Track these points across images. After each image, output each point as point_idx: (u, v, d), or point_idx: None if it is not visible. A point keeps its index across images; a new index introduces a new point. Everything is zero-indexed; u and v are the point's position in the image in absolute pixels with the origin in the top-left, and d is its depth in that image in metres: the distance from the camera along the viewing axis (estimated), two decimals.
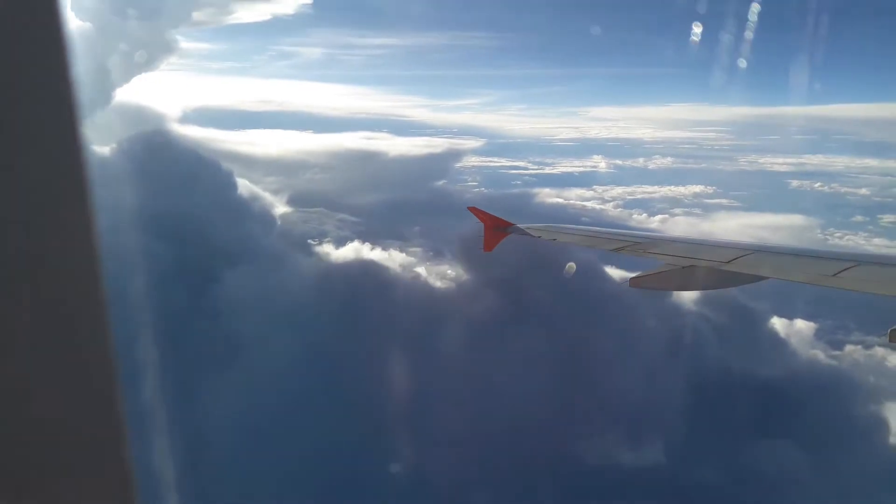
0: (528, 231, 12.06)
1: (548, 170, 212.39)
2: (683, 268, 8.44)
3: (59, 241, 1.15)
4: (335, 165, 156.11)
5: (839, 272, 7.46)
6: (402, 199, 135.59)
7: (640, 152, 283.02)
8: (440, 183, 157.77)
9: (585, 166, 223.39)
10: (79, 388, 1.27)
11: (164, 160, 73.10)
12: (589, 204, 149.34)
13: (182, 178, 72.82)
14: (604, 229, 11.61)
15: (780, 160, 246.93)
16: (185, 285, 60.43)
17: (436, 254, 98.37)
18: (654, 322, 66.69)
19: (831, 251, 8.48)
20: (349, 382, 53.49)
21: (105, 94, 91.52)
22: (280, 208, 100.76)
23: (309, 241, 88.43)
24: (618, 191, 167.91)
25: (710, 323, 67.63)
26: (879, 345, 70.76)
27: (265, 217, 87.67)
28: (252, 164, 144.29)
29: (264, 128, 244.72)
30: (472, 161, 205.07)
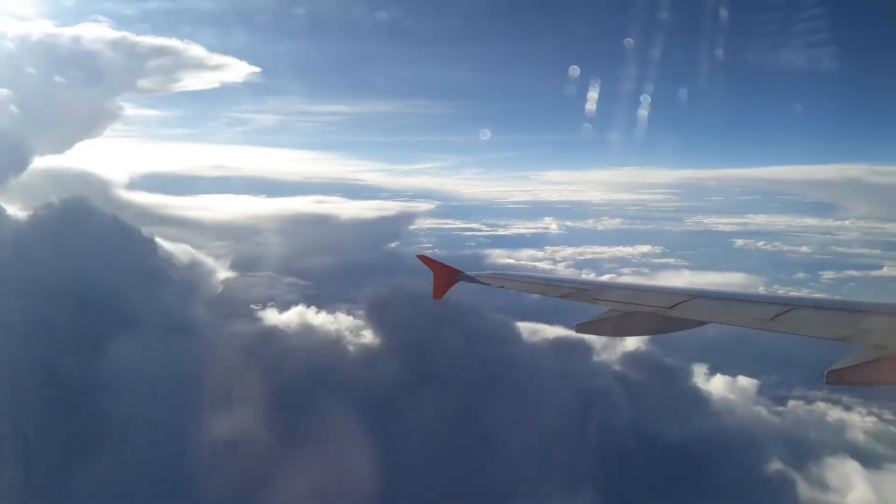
0: (477, 278, 12.16)
1: (501, 231, 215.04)
2: (627, 313, 8.62)
3: None
4: (286, 229, 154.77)
5: (777, 316, 7.60)
6: (353, 261, 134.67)
7: (589, 214, 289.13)
8: (393, 245, 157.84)
9: (537, 228, 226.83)
10: None
11: (82, 226, 71.10)
12: (540, 264, 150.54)
13: (97, 245, 70.53)
14: (551, 276, 11.72)
15: (725, 220, 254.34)
16: (77, 356, 56.86)
17: None
18: (570, 383, 66.24)
19: (770, 296, 8.65)
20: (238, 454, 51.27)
21: (22, 159, 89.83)
22: (223, 273, 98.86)
23: (251, 306, 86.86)
24: (568, 251, 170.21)
25: (632, 382, 67.39)
26: (821, 399, 71.60)
27: (199, 283, 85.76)
28: (200, 230, 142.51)
29: (217, 193, 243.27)
30: (427, 223, 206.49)
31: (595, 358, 74.27)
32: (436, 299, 12.51)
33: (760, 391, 72.45)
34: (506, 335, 77.15)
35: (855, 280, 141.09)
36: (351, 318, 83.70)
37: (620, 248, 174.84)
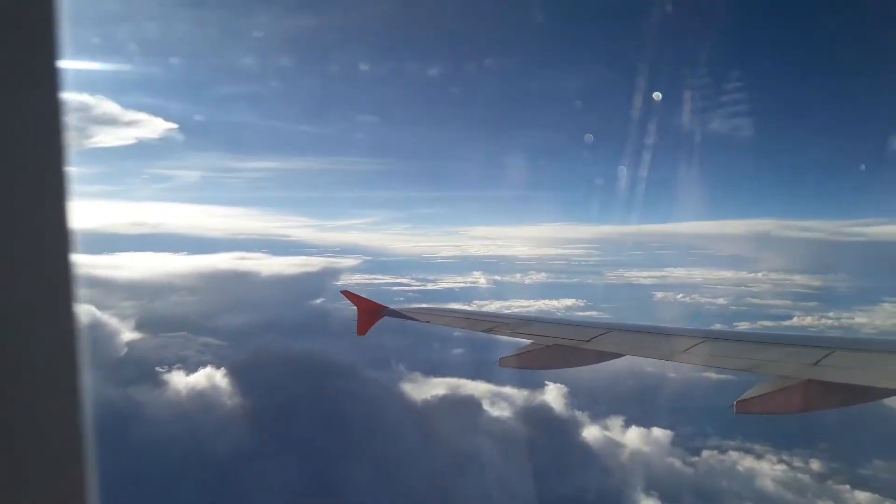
0: (402, 313, 12.31)
1: (430, 286, 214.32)
2: (547, 346, 8.83)
3: None
4: (204, 287, 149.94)
5: (689, 348, 7.83)
6: (275, 319, 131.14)
7: (516, 269, 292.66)
8: (318, 301, 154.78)
9: (466, 282, 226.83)
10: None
11: None
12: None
13: None
14: (475, 311, 12.41)
15: (645, 274, 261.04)
16: None
17: None
18: (440, 442, 65.04)
19: (682, 330, 8.90)
20: None
21: None
22: (128, 335, 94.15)
23: (157, 368, 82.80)
24: (496, 305, 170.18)
25: (514, 439, 65.96)
26: (734, 448, 72.59)
27: (100, 345, 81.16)
28: (110, 289, 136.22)
29: (136, 250, 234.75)
30: (355, 278, 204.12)
31: (487, 415, 73.51)
32: (360, 335, 12.45)
33: (675, 442, 72.96)
34: (386, 393, 76.34)
35: (768, 330, 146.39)
36: None
37: (546, 301, 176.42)
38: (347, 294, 13.03)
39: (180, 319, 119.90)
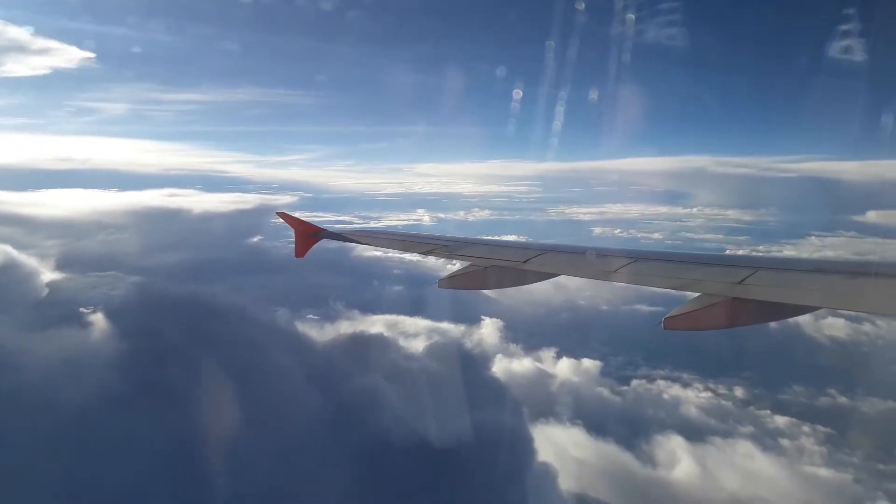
0: (341, 235, 12.25)
1: (373, 223, 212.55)
2: (485, 268, 8.93)
3: None
4: (134, 225, 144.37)
5: (620, 268, 8.02)
6: (209, 257, 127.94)
7: (460, 206, 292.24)
8: (255, 239, 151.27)
9: (410, 220, 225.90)
10: None
11: None
12: (408, 256, 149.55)
13: None
14: (414, 234, 11.72)
15: (584, 210, 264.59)
16: None
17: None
18: (343, 382, 64.24)
19: (616, 250, 8.91)
20: None
21: None
22: (49, 275, 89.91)
23: (82, 309, 79.54)
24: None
25: (423, 377, 64.53)
26: (662, 378, 74.82)
27: (15, 286, 77.51)
28: (32, 228, 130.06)
29: (62, 187, 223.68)
30: (296, 216, 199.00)
31: (394, 353, 73.40)
32: (297, 257, 12.31)
33: (604, 372, 74.66)
34: (280, 335, 75.62)
35: (696, 250, 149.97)
36: None
37: (489, 237, 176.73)
38: (283, 216, 12.85)
39: (109, 258, 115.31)
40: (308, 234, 12.36)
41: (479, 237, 12.37)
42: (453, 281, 9.15)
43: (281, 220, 13.20)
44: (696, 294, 6.84)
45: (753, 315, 6.68)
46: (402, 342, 77.92)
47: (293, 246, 12.34)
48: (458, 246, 10.35)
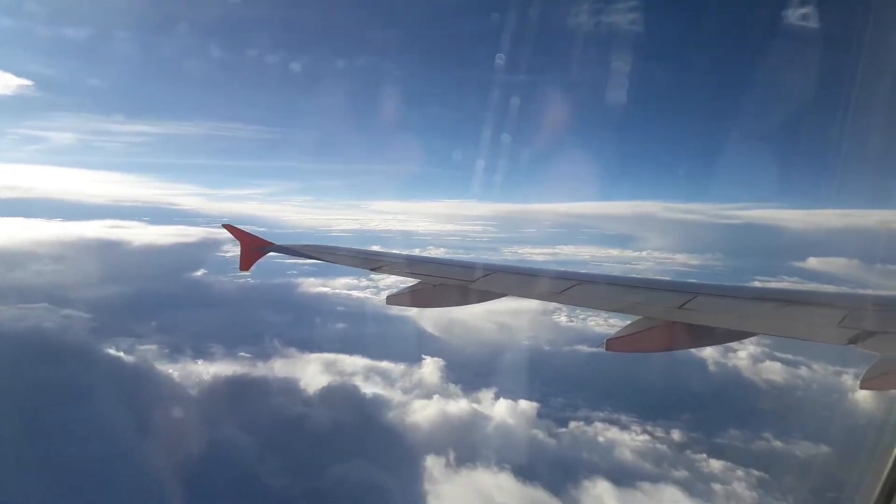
0: (289, 248, 12.08)
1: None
2: (434, 286, 8.92)
3: None
4: (70, 256, 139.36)
5: (566, 290, 8.10)
6: (146, 291, 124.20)
7: (415, 243, 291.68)
8: (198, 273, 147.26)
9: None
10: None
11: None
12: (355, 293, 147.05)
13: None
14: (364, 250, 11.58)
15: (537, 250, 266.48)
16: None
17: (172, 349, 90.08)
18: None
19: (562, 272, 8.92)
20: None
21: None
22: None
23: None
24: (392, 279, 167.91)
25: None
26: (601, 420, 73.89)
27: None
28: None
29: (3, 216, 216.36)
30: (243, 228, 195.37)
31: (277, 398, 71.89)
32: (242, 270, 12.21)
33: (542, 414, 73.49)
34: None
35: (639, 275, 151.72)
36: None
37: (439, 256, 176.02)
38: (229, 228, 12.49)
39: (40, 290, 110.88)
40: (255, 248, 12.09)
41: (428, 255, 12.26)
42: (401, 298, 9.16)
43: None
44: (637, 317, 6.92)
45: (692, 339, 6.81)
46: (301, 385, 76.08)
47: (238, 264, 12.13)
48: (407, 263, 10.43)
